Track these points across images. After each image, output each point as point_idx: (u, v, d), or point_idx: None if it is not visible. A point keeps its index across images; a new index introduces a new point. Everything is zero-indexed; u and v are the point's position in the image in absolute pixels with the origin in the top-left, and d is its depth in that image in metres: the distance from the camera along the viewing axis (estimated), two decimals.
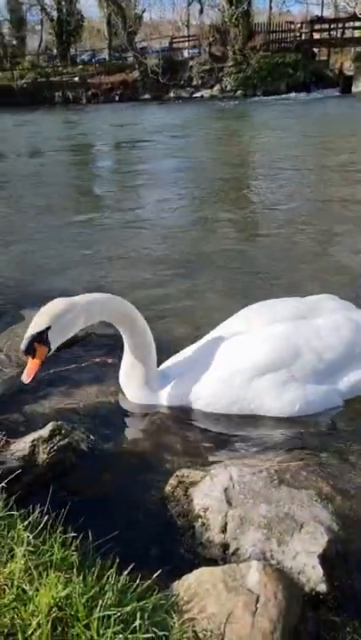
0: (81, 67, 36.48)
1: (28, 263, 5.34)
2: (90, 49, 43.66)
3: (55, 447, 2.32)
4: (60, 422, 2.42)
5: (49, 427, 2.37)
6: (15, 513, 1.53)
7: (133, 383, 2.74)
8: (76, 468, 2.31)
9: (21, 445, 2.32)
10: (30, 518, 1.52)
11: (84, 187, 9.69)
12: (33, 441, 2.32)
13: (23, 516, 1.54)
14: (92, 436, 2.49)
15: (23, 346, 2.26)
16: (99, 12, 40.45)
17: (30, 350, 2.27)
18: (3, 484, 1.67)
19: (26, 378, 2.27)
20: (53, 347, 2.33)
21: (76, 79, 33.76)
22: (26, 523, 1.48)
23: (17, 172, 11.34)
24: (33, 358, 2.28)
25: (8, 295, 4.44)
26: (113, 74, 34.36)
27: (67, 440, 2.38)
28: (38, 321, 2.30)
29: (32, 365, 2.28)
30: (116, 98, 32.93)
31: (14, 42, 42.50)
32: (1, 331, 3.66)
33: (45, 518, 1.53)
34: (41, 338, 2.27)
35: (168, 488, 2.11)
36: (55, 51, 40.10)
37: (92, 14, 42.83)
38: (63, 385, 3.00)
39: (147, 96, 32.92)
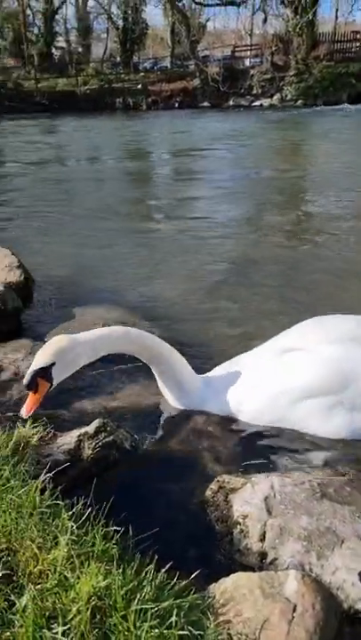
0: (143, 74, 37.12)
1: (82, 264, 5.48)
2: (152, 57, 44.38)
3: (100, 443, 2.37)
4: (105, 420, 2.47)
5: (95, 423, 2.43)
6: (61, 503, 1.58)
7: (172, 396, 2.76)
8: (118, 466, 2.35)
9: (67, 440, 2.38)
10: (74, 509, 1.57)
11: (140, 192, 9.85)
12: (79, 436, 2.38)
13: (68, 506, 1.59)
14: (135, 436, 2.53)
15: (26, 380, 2.25)
16: (163, 20, 41.16)
17: (32, 385, 2.26)
18: (50, 474, 1.73)
19: (25, 413, 2.26)
20: (56, 382, 2.33)
21: (138, 86, 34.37)
22: (70, 513, 1.53)
23: (76, 175, 11.65)
24: (35, 393, 2.28)
25: (61, 293, 4.57)
26: (174, 81, 34.76)
27: (111, 437, 2.42)
28: (42, 357, 2.29)
29: (33, 400, 2.28)
30: (176, 105, 33.28)
31: (80, 49, 43.78)
32: (54, 327, 3.77)
33: (88, 511, 1.58)
34: (44, 373, 2.27)
35: (208, 492, 2.12)
36: (119, 58, 41.01)
37: (157, 23, 43.56)
38: (109, 383, 3.06)
39: (206, 104, 33.12)
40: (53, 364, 2.27)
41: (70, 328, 3.70)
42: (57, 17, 41.20)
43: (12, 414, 2.48)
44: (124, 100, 33.83)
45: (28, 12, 40.16)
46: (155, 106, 33.40)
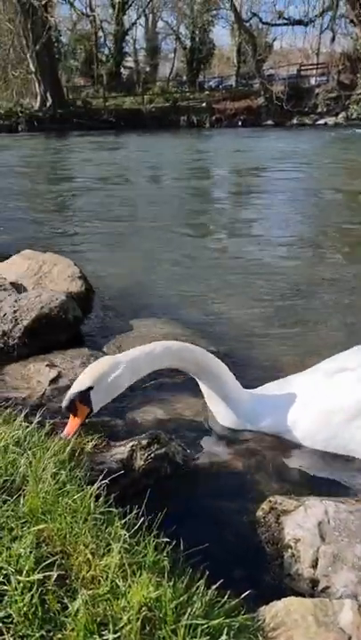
0: (208, 92, 37.71)
1: (140, 278, 5.57)
2: (218, 76, 45.02)
3: (152, 455, 2.39)
4: (158, 431, 2.49)
5: (148, 434, 2.45)
6: (114, 510, 1.60)
7: (220, 410, 2.71)
8: (169, 478, 2.35)
9: (121, 449, 2.40)
10: (127, 518, 1.58)
11: (201, 210, 9.92)
12: (132, 446, 2.40)
13: (120, 515, 1.61)
14: (187, 450, 2.53)
15: (64, 404, 2.22)
16: (230, 40, 41.79)
17: (71, 409, 2.22)
18: (106, 481, 1.76)
19: (65, 434, 2.22)
20: (96, 408, 2.28)
21: (203, 104, 34.91)
22: (122, 522, 1.54)
23: (138, 191, 11.91)
24: (75, 416, 2.23)
25: (120, 305, 4.66)
26: (238, 100, 35.11)
27: (164, 450, 2.43)
28: (81, 380, 2.25)
29: (73, 423, 2.23)
30: (239, 123, 33.56)
31: (147, 69, 45.07)
32: (111, 337, 3.85)
33: (140, 521, 1.59)
34: (82, 398, 2.21)
35: (259, 513, 2.09)
36: (185, 77, 41.92)
37: (223, 43, 44.31)
38: (162, 395, 3.07)
39: (269, 122, 33.20)
40: (91, 387, 2.23)
41: (126, 340, 3.77)
42: (127, 38, 42.62)
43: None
44: (188, 117, 34.42)
45: (100, 33, 41.78)
46: (218, 124, 33.80)
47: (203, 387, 2.70)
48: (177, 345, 2.57)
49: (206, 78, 42.83)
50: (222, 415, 2.72)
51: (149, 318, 4.23)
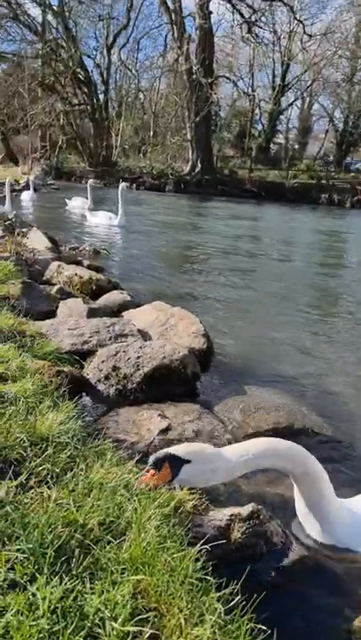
0: (353, 174, 37.84)
1: (259, 345, 5.58)
2: None
3: (250, 530, 2.30)
4: (260, 506, 2.40)
5: (249, 507, 2.37)
6: (211, 579, 1.55)
7: (310, 521, 2.42)
8: (263, 558, 2.24)
9: (220, 516, 2.35)
10: (222, 592, 1.51)
11: (328, 289, 9.73)
12: (231, 516, 2.33)
13: (216, 586, 1.55)
14: (286, 532, 2.41)
15: (153, 457, 2.08)
16: None
17: (158, 465, 2.06)
18: (207, 547, 1.72)
19: (139, 483, 2.07)
20: (177, 481, 2.11)
21: (347, 185, 35.01)
22: (218, 594, 1.49)
23: (269, 262, 12.07)
24: (153, 475, 2.06)
25: (236, 368, 4.70)
26: None
27: (263, 527, 2.34)
28: (183, 448, 2.14)
29: (150, 478, 2.06)
30: None
31: (296, 146, 46.48)
32: (223, 399, 3.86)
33: (237, 598, 1.52)
34: (175, 463, 2.07)
35: (358, 623, 1.91)
36: (332, 157, 42.54)
37: None
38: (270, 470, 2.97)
39: None
40: (189, 461, 2.09)
41: (238, 405, 3.75)
42: (281, 117, 44.55)
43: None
44: (329, 196, 34.65)
45: (257, 111, 44.17)
46: (359, 205, 33.59)
47: (296, 491, 2.44)
48: (296, 449, 2.35)
49: (354, 160, 43.11)
50: (312, 527, 2.42)
51: (263, 387, 4.20)
